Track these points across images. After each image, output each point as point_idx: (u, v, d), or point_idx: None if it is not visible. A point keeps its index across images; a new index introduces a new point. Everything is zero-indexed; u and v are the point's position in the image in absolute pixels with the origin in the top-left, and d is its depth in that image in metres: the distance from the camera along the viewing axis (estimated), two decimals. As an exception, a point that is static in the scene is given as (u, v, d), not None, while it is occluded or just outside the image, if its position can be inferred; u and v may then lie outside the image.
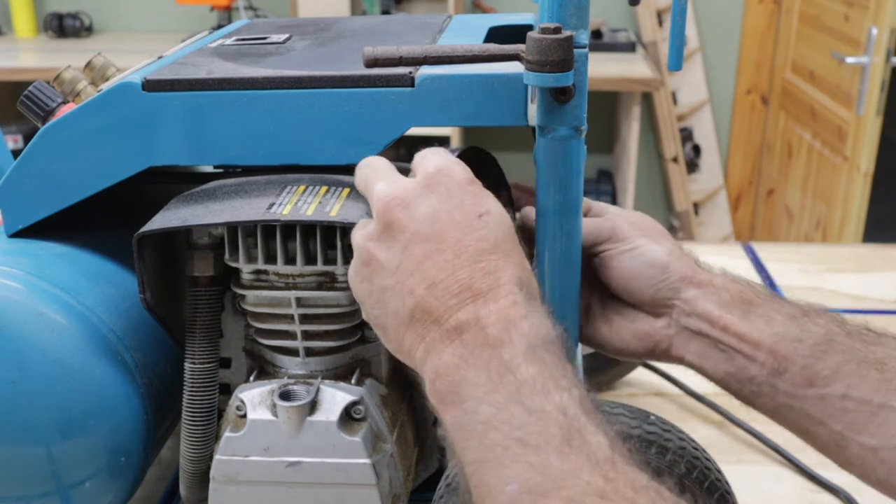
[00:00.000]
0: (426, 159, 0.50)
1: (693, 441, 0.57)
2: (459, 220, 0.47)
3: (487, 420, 0.42)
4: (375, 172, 0.51)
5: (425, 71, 0.56)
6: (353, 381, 0.58)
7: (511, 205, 0.63)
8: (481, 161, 0.64)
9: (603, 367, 0.86)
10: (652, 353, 0.61)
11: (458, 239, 0.46)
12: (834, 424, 0.54)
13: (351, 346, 0.60)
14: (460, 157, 0.56)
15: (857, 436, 0.53)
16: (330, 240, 0.56)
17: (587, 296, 0.62)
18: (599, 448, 0.40)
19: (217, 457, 0.57)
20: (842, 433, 0.53)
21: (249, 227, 0.56)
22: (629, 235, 0.60)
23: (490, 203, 0.48)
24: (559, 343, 0.45)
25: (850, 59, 2.12)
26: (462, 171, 0.49)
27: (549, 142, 0.53)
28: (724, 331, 0.57)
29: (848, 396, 0.53)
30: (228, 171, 0.66)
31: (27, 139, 2.46)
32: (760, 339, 0.56)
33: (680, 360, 0.60)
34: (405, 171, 0.69)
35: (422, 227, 0.46)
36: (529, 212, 0.62)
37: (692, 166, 2.83)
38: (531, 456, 0.40)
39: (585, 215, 0.62)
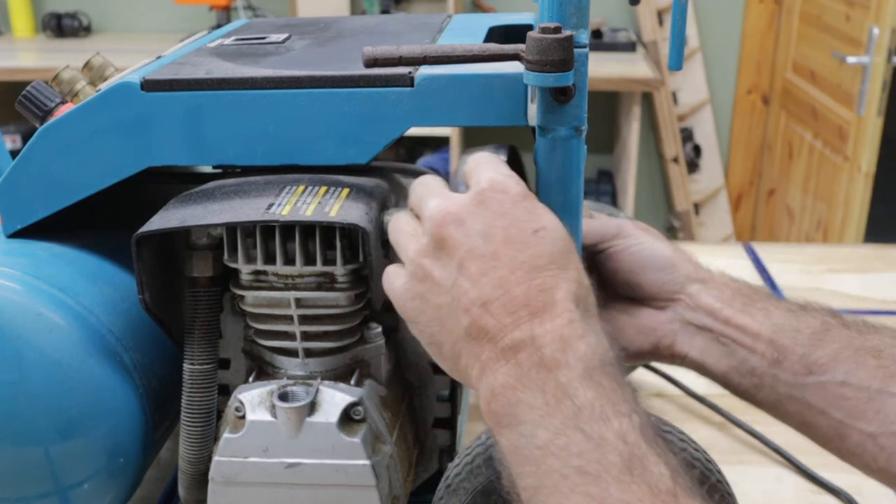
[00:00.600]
0: (479, 172, 0.49)
1: (694, 442, 0.57)
2: (514, 237, 0.46)
3: (544, 445, 0.42)
4: (429, 190, 0.50)
5: (425, 71, 0.56)
6: (352, 381, 0.58)
7: None
8: (514, 160, 0.63)
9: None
10: (655, 350, 0.61)
11: (513, 256, 0.45)
12: (834, 412, 0.54)
13: (350, 346, 0.60)
14: (508, 160, 0.56)
15: (856, 422, 0.53)
16: (329, 240, 0.56)
17: None
18: (661, 479, 0.40)
19: (216, 458, 0.57)
20: (842, 421, 0.54)
21: (248, 228, 0.56)
22: (635, 232, 0.62)
23: (545, 218, 0.47)
24: (617, 364, 0.45)
25: (851, 59, 2.12)
26: (515, 184, 0.48)
27: (549, 142, 0.53)
28: (725, 323, 0.58)
29: (846, 383, 0.54)
30: (227, 171, 0.65)
31: (25, 139, 2.46)
32: (760, 330, 0.57)
33: (682, 358, 0.61)
34: (406, 172, 0.69)
35: (476, 244, 0.46)
36: None
37: (693, 166, 2.83)
38: (591, 486, 0.40)
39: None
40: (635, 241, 0.61)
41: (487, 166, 0.49)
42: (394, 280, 0.50)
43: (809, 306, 0.59)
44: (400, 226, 0.52)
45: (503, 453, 0.44)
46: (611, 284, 0.62)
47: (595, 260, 0.62)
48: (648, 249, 0.61)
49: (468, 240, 0.46)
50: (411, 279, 0.48)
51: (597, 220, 0.62)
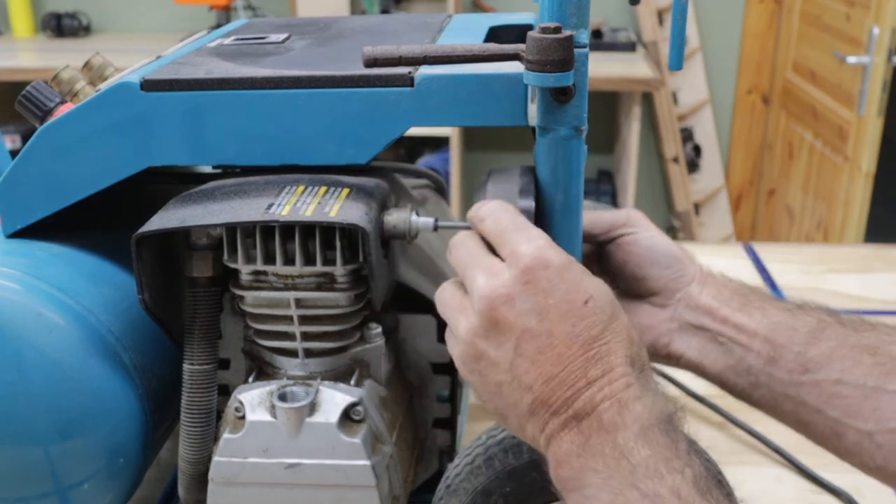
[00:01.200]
0: (517, 247, 0.48)
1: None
2: (566, 312, 0.47)
3: None
4: (473, 259, 0.50)
5: (425, 71, 0.56)
6: (352, 382, 0.58)
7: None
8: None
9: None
10: (652, 349, 0.61)
11: (567, 331, 0.46)
12: (830, 411, 0.55)
13: (350, 347, 0.60)
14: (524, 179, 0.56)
15: (853, 421, 0.54)
16: (329, 240, 0.55)
17: None
18: None
19: (216, 458, 0.57)
20: (838, 419, 0.54)
21: (248, 228, 0.56)
22: (645, 223, 0.62)
23: (591, 286, 0.48)
24: (673, 420, 0.47)
25: (851, 59, 2.12)
26: (557, 256, 0.48)
27: (549, 142, 0.53)
28: (722, 322, 0.59)
29: (842, 381, 0.54)
30: (227, 171, 0.65)
31: (25, 139, 2.45)
32: (756, 328, 0.58)
33: (678, 358, 0.61)
34: (406, 172, 0.69)
35: (531, 324, 0.47)
36: None
37: (693, 166, 2.83)
38: None
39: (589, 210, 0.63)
40: (645, 232, 0.62)
41: (519, 235, 0.49)
42: (452, 349, 0.51)
43: (806, 305, 0.59)
44: (446, 299, 0.52)
45: None
46: (618, 276, 0.63)
47: (604, 250, 0.63)
48: (658, 244, 0.62)
49: (521, 320, 0.47)
50: (466, 356, 0.49)
51: (606, 211, 0.63)
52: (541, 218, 0.56)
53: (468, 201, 2.68)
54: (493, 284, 0.48)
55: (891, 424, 0.52)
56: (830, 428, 0.55)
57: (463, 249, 0.51)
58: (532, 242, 0.48)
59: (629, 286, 0.62)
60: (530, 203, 0.54)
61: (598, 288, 0.48)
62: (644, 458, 0.44)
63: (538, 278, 0.47)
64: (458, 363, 0.50)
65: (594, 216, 0.63)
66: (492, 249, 0.50)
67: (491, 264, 0.49)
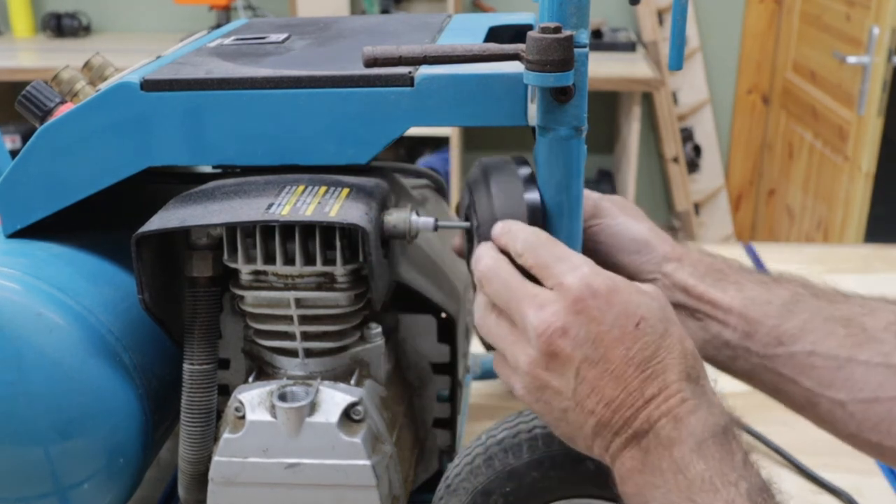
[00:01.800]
0: (563, 277, 0.49)
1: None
2: (619, 337, 0.48)
3: None
4: (516, 291, 0.50)
5: (425, 71, 0.56)
6: (352, 382, 0.58)
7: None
8: None
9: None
10: None
11: (622, 355, 0.48)
12: (804, 381, 0.56)
13: (350, 346, 0.60)
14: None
15: (826, 391, 0.55)
16: (329, 240, 0.55)
17: None
18: None
19: (216, 458, 0.57)
20: (811, 389, 0.56)
21: (248, 228, 0.56)
22: (612, 212, 0.63)
23: (641, 307, 0.49)
24: (728, 431, 0.48)
25: (851, 59, 2.12)
26: (603, 282, 0.49)
27: (549, 142, 0.53)
28: (698, 299, 0.60)
29: (815, 353, 0.56)
30: (227, 171, 0.65)
31: (25, 139, 2.45)
32: (731, 303, 0.59)
33: None
34: (407, 172, 0.69)
35: (588, 353, 0.48)
36: None
37: (693, 166, 2.83)
38: None
39: None
40: (612, 220, 0.62)
41: (562, 266, 0.50)
42: (513, 382, 0.52)
43: (782, 277, 0.60)
44: (497, 332, 0.52)
45: None
46: None
47: None
48: (625, 231, 0.62)
49: (579, 350, 0.48)
50: (530, 387, 0.50)
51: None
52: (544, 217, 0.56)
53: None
54: (546, 318, 0.48)
55: (862, 394, 0.54)
56: (805, 398, 0.57)
57: (499, 281, 0.51)
58: (577, 272, 0.49)
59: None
60: (534, 196, 0.54)
61: (648, 307, 0.49)
62: (700, 473, 0.45)
63: (589, 308, 0.48)
64: (521, 394, 0.51)
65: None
66: (527, 275, 0.51)
67: (536, 295, 0.49)
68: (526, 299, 0.50)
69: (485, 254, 0.53)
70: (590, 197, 0.63)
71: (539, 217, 0.54)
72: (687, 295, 0.60)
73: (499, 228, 0.53)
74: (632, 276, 0.62)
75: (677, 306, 0.60)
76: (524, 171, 0.56)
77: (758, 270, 0.62)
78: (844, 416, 0.55)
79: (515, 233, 0.52)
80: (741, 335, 0.58)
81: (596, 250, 0.62)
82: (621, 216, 0.63)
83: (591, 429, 0.49)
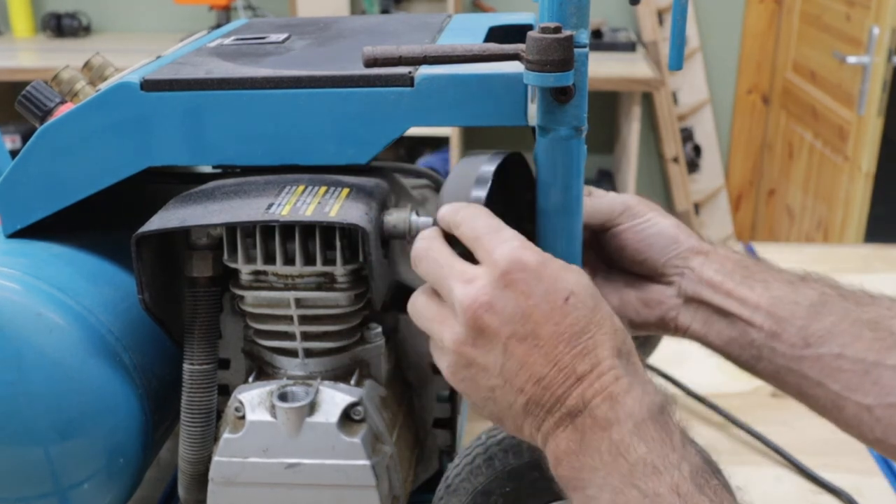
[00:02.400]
0: (491, 250, 0.48)
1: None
2: (548, 311, 0.47)
3: None
4: (445, 267, 0.50)
5: (425, 71, 0.56)
6: (352, 382, 0.58)
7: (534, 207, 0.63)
8: (514, 164, 0.62)
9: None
10: (661, 323, 0.63)
11: (552, 331, 0.47)
12: (831, 384, 0.55)
13: (350, 347, 0.60)
14: (500, 169, 0.55)
15: (852, 395, 0.55)
16: (329, 240, 0.55)
17: (592, 273, 0.63)
18: None
19: (216, 458, 0.57)
20: (838, 393, 0.55)
21: (248, 228, 0.56)
22: (641, 210, 0.63)
23: (570, 281, 0.48)
24: (665, 411, 0.47)
25: (851, 59, 2.12)
26: (532, 256, 0.48)
27: (549, 142, 0.53)
28: (726, 296, 0.59)
29: (843, 356, 0.55)
30: (227, 171, 0.65)
31: (25, 139, 2.45)
32: (759, 302, 0.58)
33: (685, 331, 0.62)
34: (406, 172, 0.69)
35: (516, 328, 0.47)
36: None
37: (693, 166, 2.83)
38: None
39: (586, 197, 0.64)
40: (642, 219, 0.63)
41: (493, 238, 0.49)
42: (439, 361, 0.51)
43: (809, 277, 0.60)
44: (423, 312, 0.52)
45: None
46: (617, 260, 0.64)
47: (601, 238, 0.63)
48: (653, 227, 0.62)
49: (507, 325, 0.47)
50: (456, 365, 0.50)
51: (604, 199, 0.63)
52: (539, 217, 0.56)
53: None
54: (472, 292, 0.47)
55: (890, 399, 0.53)
56: (831, 401, 0.56)
57: (431, 259, 0.51)
58: (506, 244, 0.48)
59: (629, 268, 0.63)
60: (480, 194, 0.54)
61: (577, 282, 0.48)
62: (641, 456, 0.44)
63: (516, 281, 0.47)
64: (447, 373, 0.50)
65: (590, 208, 0.63)
66: (462, 253, 0.50)
67: (464, 271, 0.49)
68: (454, 276, 0.49)
69: (421, 235, 0.52)
70: (618, 198, 0.63)
71: None
72: (714, 291, 0.60)
73: (445, 208, 0.52)
74: (659, 271, 0.62)
75: (704, 303, 0.60)
76: (486, 168, 0.55)
77: (784, 269, 0.61)
78: (871, 420, 0.54)
79: (458, 209, 0.52)
80: (767, 335, 0.58)
81: (623, 247, 0.62)
82: (650, 213, 0.63)
83: (520, 407, 0.47)
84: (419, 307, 0.52)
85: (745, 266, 0.61)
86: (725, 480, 0.55)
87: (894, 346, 0.54)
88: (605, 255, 0.64)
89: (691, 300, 0.61)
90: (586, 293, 0.48)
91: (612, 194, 0.65)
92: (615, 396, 0.46)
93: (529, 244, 0.49)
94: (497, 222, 0.50)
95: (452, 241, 0.51)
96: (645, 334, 0.69)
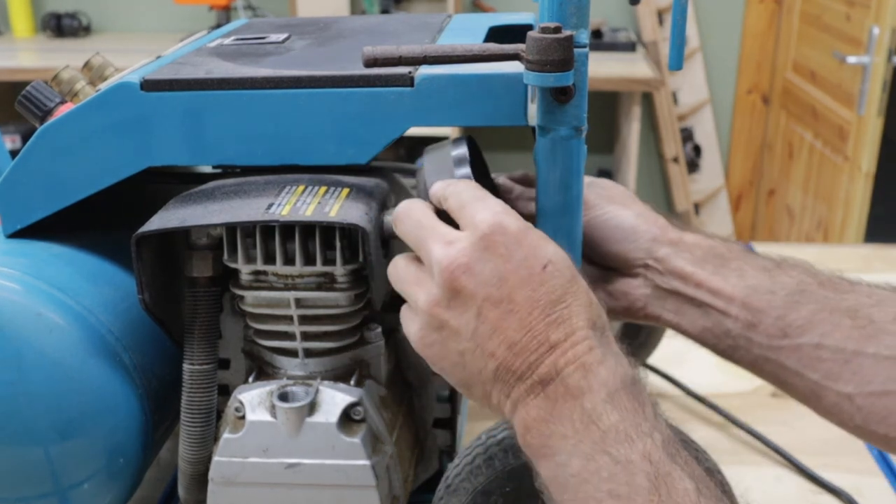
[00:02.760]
0: (472, 212, 0.49)
1: (694, 442, 0.57)
2: (526, 277, 0.47)
3: (578, 473, 0.44)
4: (426, 229, 0.50)
5: (425, 71, 0.56)
6: (352, 382, 0.58)
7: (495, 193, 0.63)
8: (473, 150, 0.63)
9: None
10: (629, 312, 0.62)
11: (528, 296, 0.46)
12: (810, 374, 0.55)
13: (350, 347, 0.59)
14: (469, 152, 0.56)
15: (833, 384, 0.54)
16: (329, 240, 0.55)
17: None
18: (686, 495, 0.42)
19: (216, 458, 0.57)
20: (818, 382, 0.55)
21: (248, 228, 0.56)
22: (596, 203, 0.62)
23: (549, 250, 0.48)
24: (637, 382, 0.47)
25: (851, 59, 2.12)
26: (514, 221, 0.48)
27: (549, 142, 0.53)
28: (697, 287, 0.58)
29: (822, 345, 0.54)
30: (227, 171, 0.65)
31: (25, 139, 2.45)
32: (733, 293, 0.57)
33: (657, 319, 0.62)
34: (407, 172, 0.69)
35: (491, 291, 0.47)
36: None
37: (693, 166, 2.83)
38: None
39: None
40: (597, 212, 0.62)
41: (477, 204, 0.49)
42: (409, 325, 0.51)
43: (785, 263, 0.59)
44: (401, 274, 0.51)
45: (544, 483, 0.46)
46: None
47: None
48: (610, 220, 0.61)
49: (482, 288, 0.47)
50: (427, 328, 0.49)
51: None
52: (539, 217, 0.56)
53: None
54: (451, 253, 0.47)
55: (870, 387, 0.53)
56: (810, 389, 0.55)
57: (412, 220, 0.51)
58: (489, 209, 0.48)
59: (591, 260, 0.63)
60: (466, 171, 0.54)
61: (556, 252, 0.48)
62: (614, 423, 0.44)
63: (496, 244, 0.47)
64: (416, 337, 0.50)
65: (531, 197, 0.62)
66: (448, 222, 0.50)
67: (446, 233, 0.49)
68: (435, 236, 0.49)
69: (405, 201, 0.52)
70: None
71: None
72: (684, 282, 0.59)
73: (438, 184, 0.52)
74: (620, 265, 0.61)
75: (674, 293, 0.60)
76: (459, 151, 0.56)
77: (760, 255, 0.60)
78: (851, 409, 0.54)
79: (448, 183, 0.52)
80: (744, 325, 0.57)
81: (584, 242, 0.61)
82: (608, 206, 0.62)
83: (491, 373, 0.47)
84: (399, 269, 0.51)
85: (717, 254, 0.59)
86: (694, 454, 0.55)
87: (874, 334, 0.53)
88: None
89: (660, 290, 0.60)
90: (564, 264, 0.48)
91: None
92: (588, 366, 0.45)
93: (513, 212, 0.49)
94: (484, 192, 0.51)
95: (441, 216, 0.51)
96: (619, 321, 0.69)
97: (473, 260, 0.47)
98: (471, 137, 0.60)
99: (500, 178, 0.67)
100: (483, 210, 0.48)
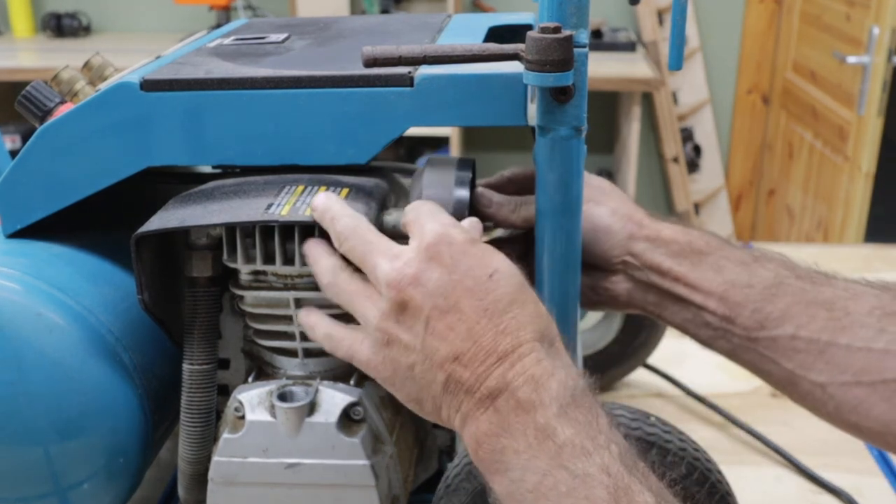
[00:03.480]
0: (423, 226, 0.49)
1: (693, 442, 0.57)
2: (472, 287, 0.47)
3: (535, 488, 0.43)
4: (371, 244, 0.50)
5: (424, 70, 0.56)
6: (352, 382, 0.58)
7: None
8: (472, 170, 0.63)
9: (603, 368, 0.86)
10: (613, 304, 0.63)
11: (474, 306, 0.46)
12: (785, 363, 0.56)
13: (350, 346, 0.59)
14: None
15: (807, 373, 0.55)
16: (329, 240, 0.55)
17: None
18: None
19: (215, 458, 0.57)
20: (793, 371, 0.56)
21: (248, 228, 0.56)
22: None
23: (496, 260, 0.48)
24: (588, 393, 0.46)
25: (851, 59, 2.12)
26: (460, 233, 0.49)
27: (549, 142, 0.53)
28: (675, 281, 0.59)
29: (797, 336, 0.55)
30: (227, 171, 0.65)
31: (25, 139, 2.45)
32: (711, 287, 0.58)
33: (642, 310, 0.63)
34: (407, 172, 0.69)
35: (438, 302, 0.46)
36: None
37: (693, 166, 2.83)
38: None
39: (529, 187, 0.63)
40: None
41: (428, 217, 0.50)
42: (357, 347, 0.50)
43: (763, 257, 0.59)
44: (346, 287, 0.51)
45: (498, 499, 0.46)
46: None
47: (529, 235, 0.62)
48: (584, 220, 0.60)
49: (430, 299, 0.47)
50: (377, 344, 0.49)
51: (530, 205, 0.61)
52: (539, 217, 0.56)
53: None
54: (398, 267, 0.47)
55: (843, 378, 0.53)
56: (786, 378, 0.56)
57: (357, 236, 0.50)
58: (437, 221, 0.49)
59: None
60: (465, 194, 0.55)
61: (502, 261, 0.48)
62: (569, 438, 0.43)
63: (441, 254, 0.47)
64: (365, 356, 0.50)
65: (517, 215, 0.62)
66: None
67: (390, 247, 0.49)
68: (379, 251, 0.49)
69: (345, 214, 0.51)
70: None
71: (464, 214, 0.54)
72: (662, 277, 0.60)
73: (407, 210, 0.52)
74: (599, 261, 0.62)
75: (652, 287, 0.60)
76: (463, 173, 0.56)
77: (738, 248, 0.60)
78: (824, 397, 0.54)
79: (414, 206, 0.52)
80: (722, 318, 0.58)
81: None
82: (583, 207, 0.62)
83: (440, 386, 0.46)
84: (343, 283, 0.51)
85: (695, 249, 0.60)
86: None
87: (849, 325, 0.54)
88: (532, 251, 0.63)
89: (641, 283, 0.61)
90: (510, 272, 0.48)
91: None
92: (538, 378, 0.45)
93: (461, 225, 0.49)
94: (439, 209, 0.51)
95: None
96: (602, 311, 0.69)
97: (420, 271, 0.47)
98: (474, 161, 0.60)
99: (478, 189, 0.66)
100: (431, 221, 0.49)
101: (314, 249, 0.53)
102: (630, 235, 0.61)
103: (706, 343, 0.60)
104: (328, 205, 0.52)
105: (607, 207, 0.62)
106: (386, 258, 0.48)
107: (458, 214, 0.54)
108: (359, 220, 0.51)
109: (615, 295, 0.63)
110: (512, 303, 0.47)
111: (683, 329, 0.61)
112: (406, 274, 0.47)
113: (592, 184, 0.64)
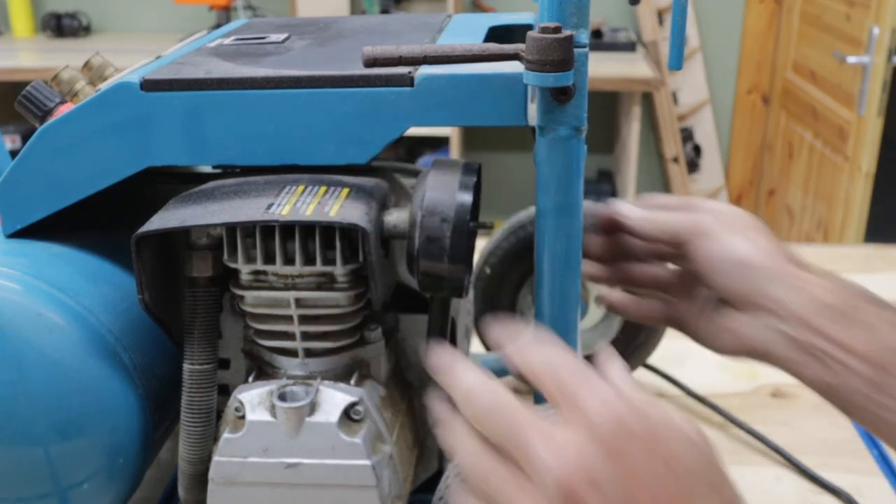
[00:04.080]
0: (586, 403, 0.40)
1: None
2: (663, 498, 0.39)
3: None
4: (520, 427, 0.41)
5: (425, 70, 0.56)
6: (352, 382, 0.58)
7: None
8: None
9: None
10: (749, 353, 0.57)
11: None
12: None
13: (350, 346, 0.59)
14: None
15: None
16: (329, 240, 0.55)
17: (679, 289, 0.61)
18: None
19: (216, 458, 0.57)
20: None
21: (248, 228, 0.56)
22: (712, 230, 0.57)
23: (680, 448, 0.40)
24: None
25: (851, 59, 2.12)
26: (636, 418, 0.40)
27: (549, 142, 0.53)
28: (819, 335, 0.53)
29: None
30: (227, 171, 0.65)
31: (25, 139, 2.46)
32: (862, 350, 0.51)
33: (780, 366, 0.56)
34: (407, 172, 0.69)
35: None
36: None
37: (693, 166, 2.83)
38: None
39: (674, 210, 0.59)
40: (709, 240, 0.56)
41: (584, 389, 0.41)
42: None
43: None
44: (490, 476, 0.42)
45: None
46: (699, 280, 0.58)
47: (676, 258, 0.60)
48: (721, 251, 0.56)
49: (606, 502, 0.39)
50: None
51: (670, 216, 0.58)
52: (539, 217, 0.56)
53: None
54: (568, 460, 0.39)
55: None
56: None
57: (501, 414, 0.41)
58: (600, 398, 0.40)
59: (712, 290, 0.58)
60: (468, 198, 0.53)
61: (689, 448, 0.40)
62: None
63: (622, 453, 0.39)
64: None
65: (654, 224, 0.58)
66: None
67: (551, 430, 0.40)
68: (537, 435, 0.40)
69: (477, 383, 0.43)
70: (685, 217, 0.58)
71: (465, 218, 0.53)
72: (805, 329, 0.53)
73: (512, 349, 0.44)
74: (735, 300, 0.56)
75: (794, 340, 0.53)
76: (468, 178, 0.55)
77: (890, 305, 0.53)
78: None
79: (535, 352, 0.43)
80: (869, 384, 0.51)
81: (695, 270, 0.57)
82: (723, 233, 0.56)
83: None
84: (488, 472, 0.42)
85: (844, 300, 0.53)
86: None
87: None
88: (689, 271, 0.59)
89: (777, 334, 0.54)
90: (699, 461, 0.40)
91: (696, 206, 0.59)
92: None
93: (628, 397, 0.41)
94: (584, 368, 0.42)
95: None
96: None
97: (597, 470, 0.39)
98: (480, 166, 0.60)
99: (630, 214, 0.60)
100: (593, 398, 0.40)
101: (454, 433, 0.44)
102: (770, 276, 0.54)
103: (849, 413, 0.53)
104: (461, 378, 0.43)
105: (751, 243, 0.56)
106: (547, 444, 0.40)
107: (460, 219, 0.53)
108: (499, 394, 0.42)
109: (747, 340, 0.56)
110: (693, 495, 0.39)
111: (827, 396, 0.54)
112: (581, 475, 0.39)
113: (735, 216, 0.58)
